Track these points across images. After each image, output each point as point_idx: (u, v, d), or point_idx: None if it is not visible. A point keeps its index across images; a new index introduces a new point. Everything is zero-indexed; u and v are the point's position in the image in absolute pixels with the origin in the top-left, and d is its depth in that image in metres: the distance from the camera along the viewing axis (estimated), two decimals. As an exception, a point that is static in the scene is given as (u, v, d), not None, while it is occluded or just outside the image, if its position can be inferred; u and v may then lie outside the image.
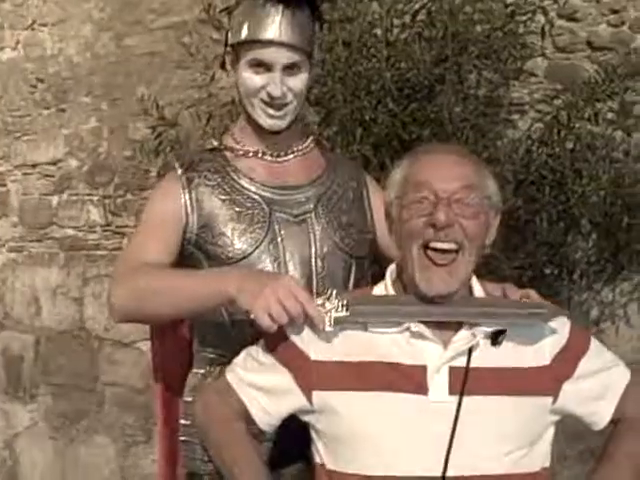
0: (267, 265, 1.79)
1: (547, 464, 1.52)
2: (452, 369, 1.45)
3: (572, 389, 1.51)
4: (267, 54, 1.77)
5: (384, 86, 2.52)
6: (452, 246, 1.44)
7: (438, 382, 1.44)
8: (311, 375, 1.49)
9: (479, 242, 1.48)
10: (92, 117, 4.12)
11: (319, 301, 1.50)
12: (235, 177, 1.85)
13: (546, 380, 1.48)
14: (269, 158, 1.87)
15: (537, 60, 2.92)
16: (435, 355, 1.46)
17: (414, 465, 1.43)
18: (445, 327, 1.48)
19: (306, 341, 1.51)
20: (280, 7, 1.77)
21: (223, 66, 1.91)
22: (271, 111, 1.80)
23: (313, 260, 1.81)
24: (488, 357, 1.47)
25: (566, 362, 1.51)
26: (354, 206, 1.89)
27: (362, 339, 1.50)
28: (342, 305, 1.49)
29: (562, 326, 1.54)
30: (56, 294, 4.31)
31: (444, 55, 2.53)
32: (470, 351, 1.46)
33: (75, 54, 4.20)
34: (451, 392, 1.44)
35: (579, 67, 2.96)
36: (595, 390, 1.54)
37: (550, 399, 1.49)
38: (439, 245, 1.44)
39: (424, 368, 1.45)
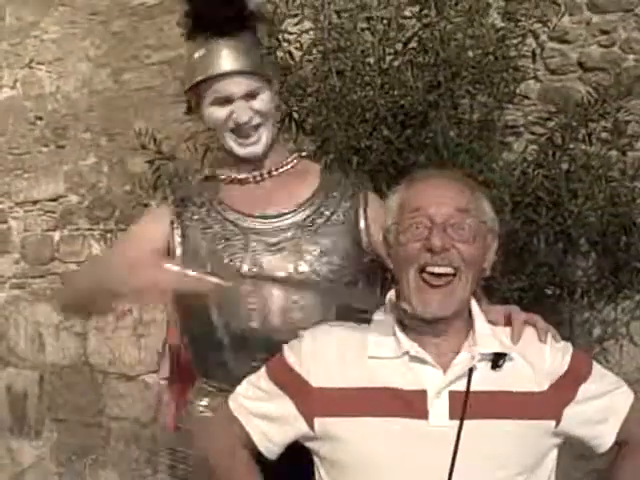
0: (250, 291, 1.79)
1: None
2: (452, 393, 1.44)
3: (574, 413, 1.50)
4: (224, 87, 1.81)
5: (378, 114, 2.54)
6: (448, 270, 1.45)
7: (438, 407, 1.44)
8: (312, 402, 1.49)
9: (476, 266, 1.48)
10: (91, 153, 4.16)
11: None
12: (219, 209, 1.86)
13: (547, 404, 1.48)
14: (252, 185, 1.88)
15: (530, 83, 2.95)
16: (435, 379, 1.46)
17: None
18: (444, 350, 1.48)
19: (307, 368, 1.52)
20: (220, 40, 1.81)
21: (189, 111, 1.98)
22: (242, 140, 1.83)
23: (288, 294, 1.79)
24: (488, 381, 1.46)
25: (567, 387, 1.50)
26: (342, 229, 1.85)
27: (362, 365, 1.50)
28: None
29: (563, 351, 1.53)
30: (59, 329, 4.32)
31: (437, 81, 2.54)
32: (470, 375, 1.46)
33: (73, 91, 4.24)
34: (451, 417, 1.43)
35: (571, 88, 2.99)
36: (598, 413, 1.53)
37: (552, 423, 1.48)
38: (436, 269, 1.45)
39: (424, 393, 1.45)
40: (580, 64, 3.03)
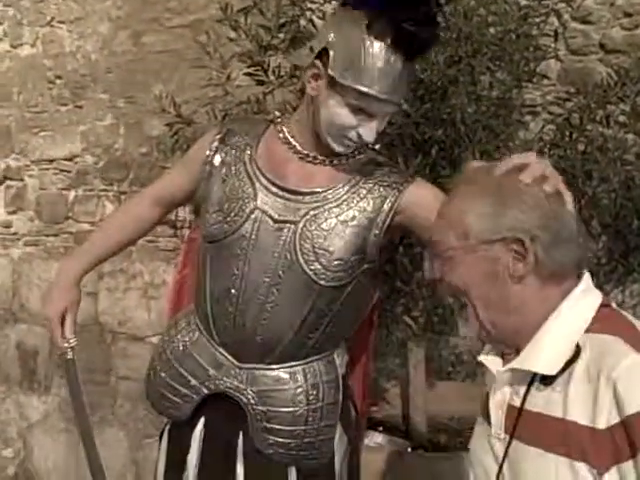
0: (232, 257, 1.84)
1: None
2: (509, 406, 1.38)
3: (617, 477, 1.24)
4: (374, 107, 1.74)
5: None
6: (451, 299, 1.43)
7: (497, 415, 1.40)
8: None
9: (476, 291, 1.35)
10: (109, 114, 4.17)
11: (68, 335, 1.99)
12: (247, 160, 1.88)
13: (594, 447, 1.24)
14: (306, 159, 1.86)
15: (550, 62, 2.94)
16: (495, 386, 1.41)
17: None
18: (502, 346, 1.40)
19: None
20: (401, 60, 1.72)
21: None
22: (351, 143, 1.80)
23: (272, 273, 1.82)
24: (542, 399, 1.32)
25: (622, 441, 1.22)
26: (350, 232, 1.81)
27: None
28: (70, 348, 2.01)
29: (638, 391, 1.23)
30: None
31: (457, 57, 2.54)
32: (527, 391, 1.34)
33: (93, 51, 4.25)
34: (505, 430, 1.38)
35: (592, 70, 2.99)
36: None
37: (594, 471, 1.24)
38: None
39: (488, 398, 1.43)
40: (602, 45, 3.02)
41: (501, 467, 1.35)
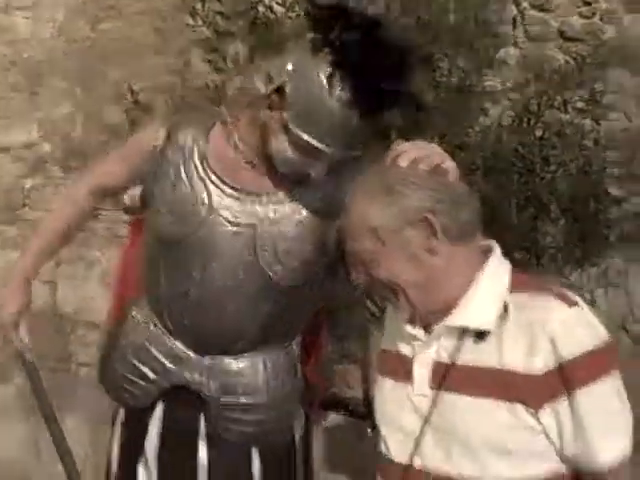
0: (189, 261, 1.81)
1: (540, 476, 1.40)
2: (436, 362, 1.45)
3: (553, 415, 1.37)
4: (323, 155, 1.69)
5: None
6: (385, 295, 1.48)
7: (421, 374, 1.46)
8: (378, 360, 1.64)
9: (402, 278, 1.42)
10: (66, 101, 4.10)
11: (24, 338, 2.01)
12: (197, 162, 1.82)
13: (530, 390, 1.36)
14: (255, 167, 1.82)
15: (509, 49, 2.97)
16: (418, 347, 1.48)
17: (396, 450, 1.49)
18: (432, 318, 1.47)
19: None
20: (357, 118, 1.65)
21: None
22: (297, 173, 1.76)
23: (232, 275, 1.79)
24: (473, 353, 1.42)
25: (557, 384, 1.36)
26: (309, 231, 1.80)
27: (393, 328, 1.57)
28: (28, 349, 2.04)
29: (580, 339, 1.37)
30: (30, 278, 4.29)
31: (416, 43, 2.55)
32: (456, 347, 1.43)
33: (49, 38, 4.17)
34: (431, 386, 1.45)
35: (550, 57, 3.01)
36: (572, 436, 1.38)
37: (531, 410, 1.36)
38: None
39: (410, 359, 1.49)
40: (560, 33, 3.05)
41: (427, 419, 1.43)
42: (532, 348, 1.36)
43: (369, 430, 2.85)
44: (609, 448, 1.38)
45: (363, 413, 2.92)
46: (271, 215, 1.79)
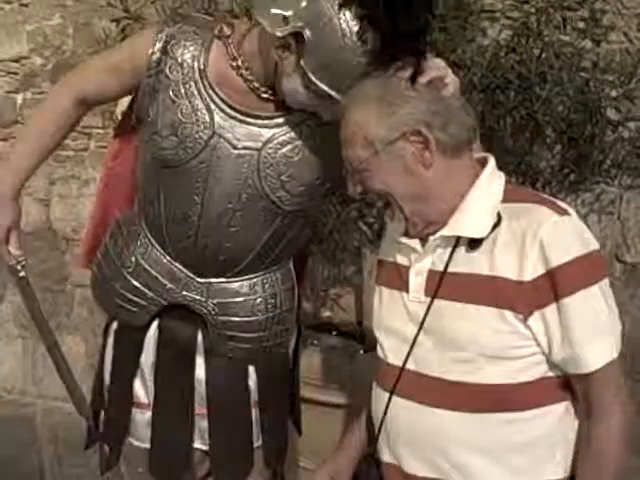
0: (190, 184, 1.77)
1: (530, 380, 1.44)
2: (431, 271, 1.51)
3: (542, 320, 1.42)
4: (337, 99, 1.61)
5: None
6: (380, 202, 1.52)
7: (417, 282, 1.52)
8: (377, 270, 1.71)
9: (397, 189, 1.47)
10: (56, 13, 4.01)
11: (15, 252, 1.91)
12: (197, 79, 1.75)
13: (519, 296, 1.41)
14: (258, 94, 1.75)
15: (510, -36, 2.87)
16: (414, 256, 1.54)
17: (391, 354, 1.55)
18: (422, 228, 1.52)
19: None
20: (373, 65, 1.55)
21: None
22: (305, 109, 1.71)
23: (234, 199, 1.78)
24: (466, 262, 1.47)
25: (546, 290, 1.40)
26: (314, 158, 1.77)
27: (390, 239, 1.63)
28: (21, 266, 1.93)
29: (568, 245, 1.41)
30: (22, 195, 4.25)
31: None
32: (450, 256, 1.49)
33: (37, -53, 4.06)
34: (426, 293, 1.51)
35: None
36: (560, 341, 1.42)
37: (520, 316, 1.41)
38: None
39: (407, 268, 1.55)
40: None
41: (421, 325, 1.48)
42: (522, 255, 1.39)
43: (361, 351, 2.91)
44: (595, 352, 1.41)
45: (356, 336, 2.95)
46: (275, 139, 1.75)
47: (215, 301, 1.88)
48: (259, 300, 1.90)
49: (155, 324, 1.93)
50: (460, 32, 2.55)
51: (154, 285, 1.90)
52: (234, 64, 1.74)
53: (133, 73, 1.79)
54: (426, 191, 1.47)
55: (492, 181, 1.50)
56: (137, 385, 1.94)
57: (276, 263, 1.91)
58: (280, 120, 1.76)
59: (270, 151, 1.75)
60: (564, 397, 1.47)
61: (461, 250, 1.47)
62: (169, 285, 1.89)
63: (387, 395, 1.53)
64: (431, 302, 1.48)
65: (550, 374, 1.45)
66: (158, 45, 1.75)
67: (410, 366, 1.50)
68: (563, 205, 1.47)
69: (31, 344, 4.26)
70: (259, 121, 1.75)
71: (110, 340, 1.99)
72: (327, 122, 1.70)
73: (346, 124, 1.49)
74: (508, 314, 1.41)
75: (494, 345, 1.42)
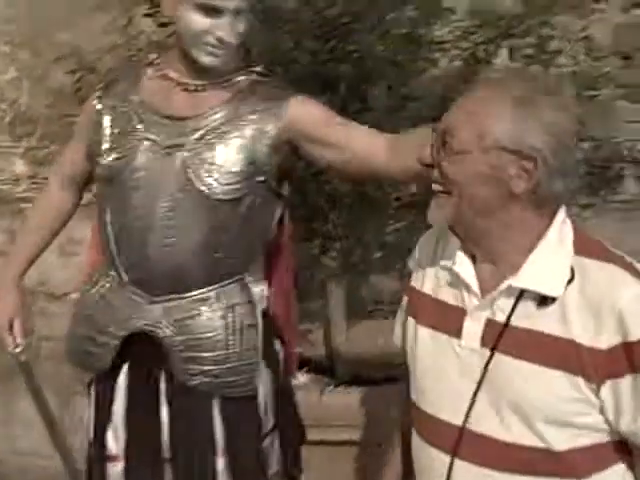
0: (129, 191, 1.86)
1: (589, 444, 1.36)
2: (490, 321, 1.40)
3: (611, 391, 1.32)
4: (217, 1, 1.76)
5: (302, 26, 2.52)
6: (437, 187, 1.39)
7: (473, 329, 1.41)
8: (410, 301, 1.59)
9: (470, 189, 1.35)
10: (10, 67, 4.01)
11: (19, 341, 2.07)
12: (131, 99, 1.91)
13: (593, 364, 1.31)
14: (184, 88, 1.89)
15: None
16: (472, 301, 1.43)
17: (441, 407, 1.45)
18: (488, 275, 1.41)
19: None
20: None
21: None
22: (214, 50, 1.81)
23: (168, 197, 1.84)
24: (532, 317, 1.36)
25: (622, 361, 1.31)
26: (239, 145, 1.85)
27: (434, 268, 1.52)
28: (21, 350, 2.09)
29: (638, 320, 1.31)
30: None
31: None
32: (514, 307, 1.38)
33: (-10, 2, 4.06)
34: (483, 344, 1.40)
35: (498, 4, 2.99)
36: (632, 415, 1.33)
37: (592, 386, 1.32)
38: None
39: (463, 311, 1.43)
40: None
41: (480, 382, 1.38)
42: (598, 322, 1.30)
43: (331, 386, 2.90)
44: None
45: (327, 370, 2.95)
46: (200, 133, 1.85)
47: (171, 319, 1.88)
48: (216, 314, 1.89)
49: (124, 371, 1.93)
50: (411, 65, 2.60)
51: (114, 316, 1.92)
52: (163, 73, 1.91)
53: (87, 133, 1.97)
54: (490, 210, 1.36)
55: (563, 230, 1.39)
56: (110, 437, 1.94)
57: (228, 275, 1.91)
58: (204, 118, 1.86)
59: (196, 145, 1.84)
60: (622, 456, 1.39)
61: (527, 303, 1.36)
62: (127, 312, 1.91)
63: (448, 457, 1.42)
64: (491, 355, 1.37)
65: (608, 439, 1.37)
66: (100, 91, 1.97)
67: (469, 425, 1.40)
68: (639, 267, 1.36)
69: (2, 401, 4.19)
70: (186, 122, 1.87)
71: (91, 398, 2.03)
72: (250, 116, 1.84)
73: (475, 103, 1.35)
74: (580, 381, 1.32)
75: (559, 410, 1.34)
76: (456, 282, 1.44)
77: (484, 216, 1.36)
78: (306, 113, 1.86)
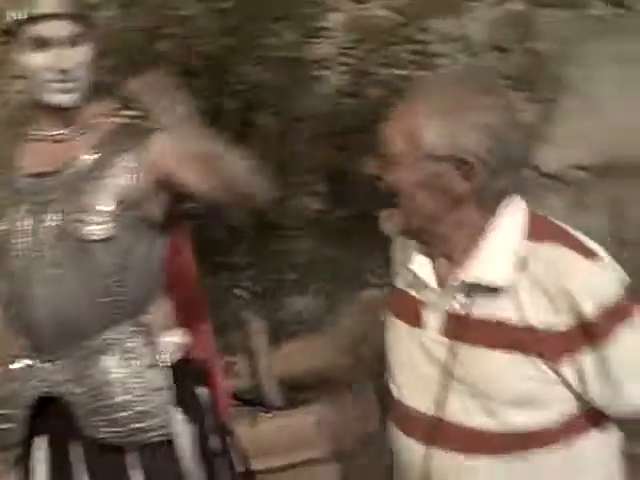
0: (12, 260, 1.84)
1: (559, 419, 1.38)
2: (449, 313, 1.42)
3: (573, 367, 1.36)
4: (45, 29, 1.76)
5: (184, 64, 2.53)
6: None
7: (434, 321, 1.44)
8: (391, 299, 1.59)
9: (414, 198, 1.38)
10: None
11: None
12: (12, 181, 1.88)
13: (551, 345, 1.34)
14: (51, 140, 1.87)
15: (335, 15, 2.99)
16: (432, 294, 1.45)
17: (413, 397, 1.48)
18: (444, 268, 1.44)
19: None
20: None
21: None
22: (62, 85, 1.80)
23: (47, 247, 1.83)
24: (490, 307, 1.38)
25: (580, 337, 1.34)
26: (106, 184, 1.85)
27: (403, 267, 1.53)
28: None
29: (593, 294, 1.34)
30: None
31: (234, 24, 2.55)
32: (470, 298, 1.40)
33: None
34: (445, 334, 1.42)
35: (375, 16, 3.04)
36: (598, 385, 1.36)
37: (551, 364, 1.35)
38: None
39: (426, 305, 1.46)
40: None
41: (447, 371, 1.40)
42: (552, 304, 1.33)
43: (262, 414, 2.89)
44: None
45: (254, 401, 2.94)
46: (69, 179, 1.85)
47: (71, 375, 1.87)
48: (113, 361, 1.87)
49: (42, 442, 1.91)
50: (294, 87, 2.63)
51: (21, 388, 1.90)
52: (30, 138, 1.91)
53: None
54: (439, 215, 1.38)
55: (513, 217, 1.41)
56: None
57: (122, 320, 1.88)
58: (72, 167, 1.86)
59: (66, 193, 1.84)
60: (599, 420, 1.42)
61: (481, 294, 1.39)
62: (32, 382, 1.88)
63: (422, 447, 1.45)
64: (453, 346, 1.40)
65: (576, 411, 1.39)
66: None
67: (439, 414, 1.42)
68: (591, 246, 1.38)
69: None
70: (54, 176, 1.86)
71: (17, 474, 1.99)
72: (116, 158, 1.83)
73: (406, 112, 1.36)
74: (538, 361, 1.34)
75: (522, 391, 1.36)
76: (416, 279, 1.47)
77: (432, 220, 1.40)
78: (168, 148, 1.82)
